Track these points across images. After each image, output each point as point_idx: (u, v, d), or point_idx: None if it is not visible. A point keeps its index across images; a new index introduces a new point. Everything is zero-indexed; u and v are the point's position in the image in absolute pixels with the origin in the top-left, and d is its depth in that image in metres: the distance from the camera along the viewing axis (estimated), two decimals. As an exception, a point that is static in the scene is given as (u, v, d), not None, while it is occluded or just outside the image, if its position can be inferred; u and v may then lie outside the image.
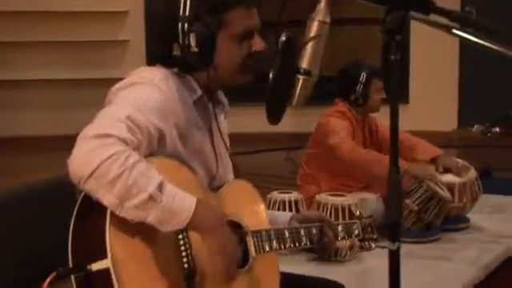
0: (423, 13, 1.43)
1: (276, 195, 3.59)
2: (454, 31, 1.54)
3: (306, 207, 3.64)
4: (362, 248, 3.45)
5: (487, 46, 1.63)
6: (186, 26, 1.84)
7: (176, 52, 1.87)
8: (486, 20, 1.53)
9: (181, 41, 1.85)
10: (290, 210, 3.47)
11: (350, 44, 7.89)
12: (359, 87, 3.91)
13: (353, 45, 8.01)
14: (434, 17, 1.51)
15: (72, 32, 7.90)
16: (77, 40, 7.93)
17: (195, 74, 1.93)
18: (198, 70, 1.92)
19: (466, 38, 1.54)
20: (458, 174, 4.01)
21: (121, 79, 1.88)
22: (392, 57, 1.39)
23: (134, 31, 7.94)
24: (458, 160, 4.15)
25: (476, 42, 1.59)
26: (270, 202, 3.56)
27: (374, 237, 2.36)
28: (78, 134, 1.68)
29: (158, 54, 1.96)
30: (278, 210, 3.47)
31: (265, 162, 7.26)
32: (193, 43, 1.84)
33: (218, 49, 1.89)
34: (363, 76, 3.91)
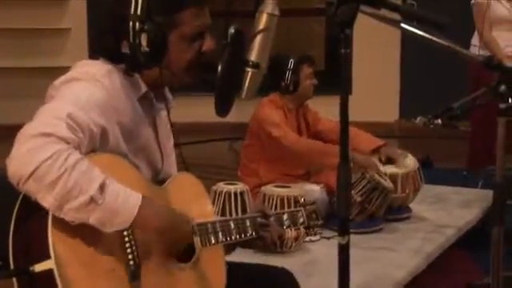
0: (374, 7, 1.42)
1: (222, 186, 3.57)
2: (403, 26, 1.55)
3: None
4: (307, 235, 3.47)
5: (434, 41, 1.64)
6: (137, 25, 1.79)
7: (125, 50, 1.83)
8: (434, 14, 1.54)
9: (131, 40, 1.80)
10: (236, 202, 3.46)
11: (284, 36, 7.88)
12: (288, 74, 3.94)
13: (288, 36, 8.01)
14: (382, 11, 1.52)
15: (12, 19, 7.72)
16: (17, 27, 7.74)
17: (143, 71, 1.89)
18: (146, 69, 1.88)
19: (415, 33, 1.55)
20: (399, 162, 4.07)
21: (62, 68, 1.84)
22: (342, 51, 1.39)
23: (76, 19, 7.80)
24: (399, 150, 4.22)
25: (423, 36, 1.61)
26: (215, 193, 3.54)
27: (319, 223, 2.37)
28: (18, 125, 1.64)
29: (105, 51, 1.89)
30: (224, 201, 3.46)
31: (208, 153, 7.23)
32: (144, 43, 1.80)
33: (168, 49, 1.85)
34: (291, 62, 3.95)
